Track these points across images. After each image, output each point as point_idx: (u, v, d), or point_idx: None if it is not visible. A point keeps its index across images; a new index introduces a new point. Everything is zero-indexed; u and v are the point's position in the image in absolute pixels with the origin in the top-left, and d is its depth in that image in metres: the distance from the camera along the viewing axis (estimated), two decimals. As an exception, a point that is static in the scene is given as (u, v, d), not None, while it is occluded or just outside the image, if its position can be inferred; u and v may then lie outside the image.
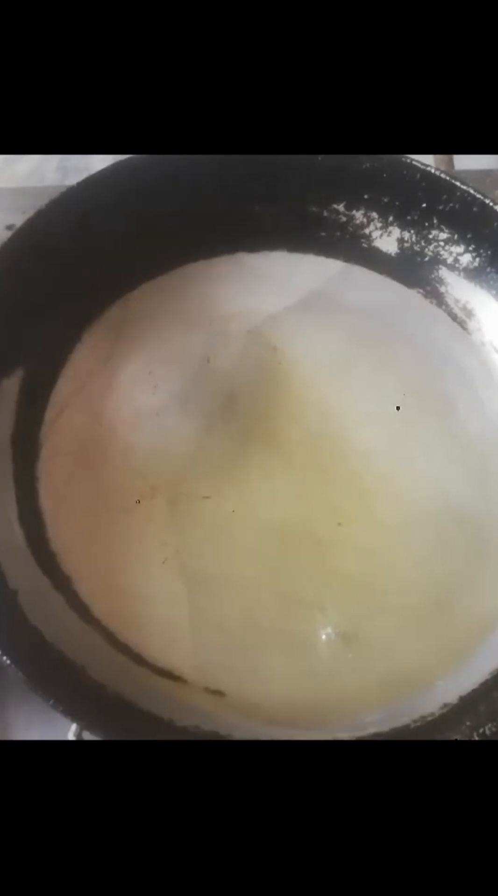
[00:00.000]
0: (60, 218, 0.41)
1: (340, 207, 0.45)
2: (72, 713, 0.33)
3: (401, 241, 0.45)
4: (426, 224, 0.44)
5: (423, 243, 0.45)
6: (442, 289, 0.45)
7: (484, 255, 0.44)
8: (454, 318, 0.45)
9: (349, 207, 0.45)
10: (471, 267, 0.44)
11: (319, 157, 0.43)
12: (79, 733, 0.35)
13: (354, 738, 0.36)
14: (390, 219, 0.44)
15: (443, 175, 0.42)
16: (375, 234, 0.45)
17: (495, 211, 0.42)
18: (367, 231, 0.45)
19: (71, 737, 0.35)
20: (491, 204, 0.42)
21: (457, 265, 0.44)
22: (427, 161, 0.43)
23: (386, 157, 0.42)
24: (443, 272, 0.45)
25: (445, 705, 0.36)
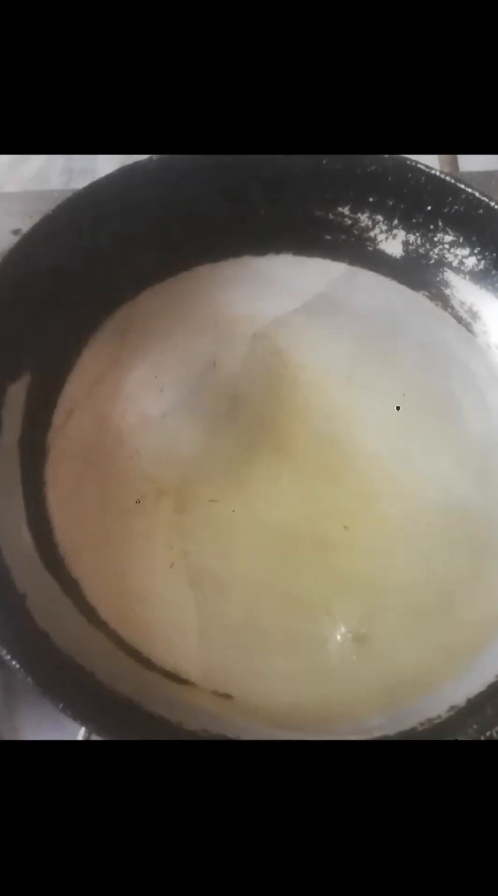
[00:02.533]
0: (67, 222, 0.41)
1: (345, 210, 0.45)
2: (80, 716, 0.33)
3: (406, 243, 0.45)
4: (431, 227, 0.44)
5: (428, 246, 0.45)
6: (447, 291, 0.45)
7: (489, 257, 0.43)
8: (460, 320, 0.45)
9: (354, 210, 0.45)
10: (476, 269, 0.44)
11: (324, 160, 0.43)
12: (88, 737, 0.35)
13: (360, 741, 0.36)
14: (395, 221, 0.44)
15: (447, 178, 0.42)
16: (381, 236, 0.45)
17: (500, 213, 0.42)
18: (372, 234, 0.45)
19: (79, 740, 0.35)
20: (496, 206, 0.41)
21: (462, 268, 0.44)
22: (432, 163, 0.43)
23: (391, 160, 0.42)
24: (448, 275, 0.45)
25: (452, 707, 0.37)
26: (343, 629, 0.39)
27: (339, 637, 0.39)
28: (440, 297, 0.45)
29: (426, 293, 0.45)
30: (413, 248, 0.45)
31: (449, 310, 0.45)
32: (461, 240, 0.44)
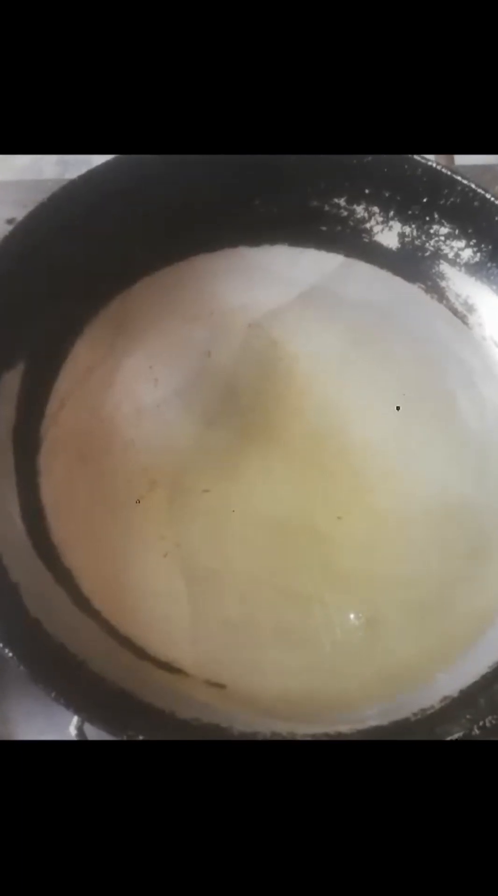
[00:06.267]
0: (61, 212, 0.41)
1: (341, 202, 0.45)
2: (73, 705, 0.33)
3: (402, 235, 0.45)
4: (427, 219, 0.44)
5: (424, 238, 0.45)
6: (443, 283, 0.45)
7: (485, 249, 0.44)
8: (455, 312, 0.45)
9: (350, 202, 0.45)
10: (472, 262, 0.44)
11: (321, 150, 0.43)
12: (80, 726, 0.35)
13: (354, 731, 0.36)
14: (391, 213, 0.45)
15: (444, 170, 0.42)
16: (376, 228, 0.45)
17: (496, 206, 0.42)
18: (368, 225, 0.45)
19: (72, 729, 0.35)
20: (492, 199, 0.42)
21: (458, 260, 0.44)
22: (428, 156, 0.43)
23: (387, 152, 0.42)
24: (444, 267, 0.45)
25: (446, 698, 0.37)
26: (336, 620, 0.39)
27: (332, 628, 0.39)
28: (436, 290, 0.45)
29: (422, 285, 0.45)
30: (409, 239, 0.45)
31: (444, 302, 0.45)
32: (457, 232, 0.44)
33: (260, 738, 0.35)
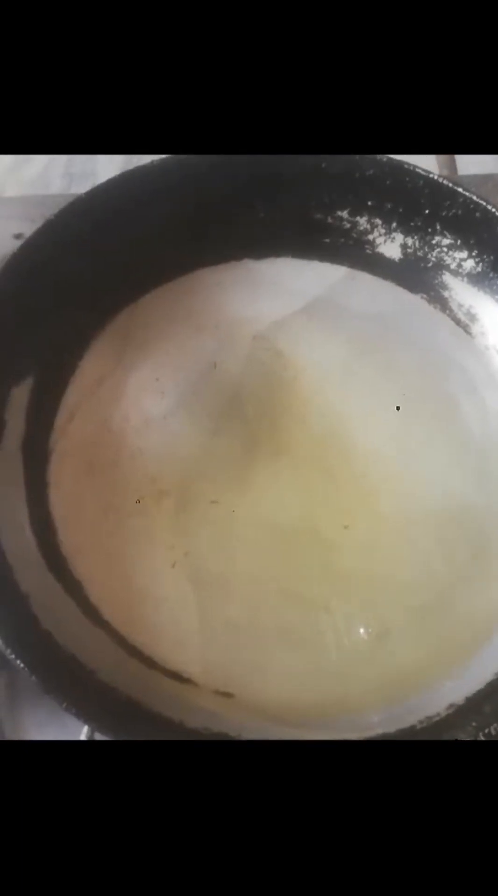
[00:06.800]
0: (68, 227, 0.41)
1: (344, 214, 0.45)
2: (83, 715, 0.33)
3: (404, 246, 0.45)
4: (429, 230, 0.44)
5: (426, 249, 0.45)
6: (445, 294, 0.45)
7: (487, 260, 0.44)
8: (458, 322, 0.45)
9: (353, 214, 0.45)
10: (474, 272, 0.44)
11: (323, 163, 0.43)
12: (91, 736, 0.35)
13: (361, 739, 0.36)
14: (394, 225, 0.45)
15: (445, 181, 0.42)
16: (379, 240, 0.45)
17: (497, 217, 0.42)
18: (370, 237, 0.45)
19: (83, 739, 0.35)
20: (493, 209, 0.42)
21: (460, 270, 0.45)
22: (430, 164, 0.43)
23: (388, 165, 0.43)
24: (446, 277, 0.45)
25: (452, 706, 0.37)
26: (343, 627, 0.39)
27: (338, 635, 0.39)
28: (438, 300, 0.45)
29: (425, 295, 0.45)
30: (411, 251, 0.45)
31: (447, 312, 0.45)
32: (459, 243, 0.44)
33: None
